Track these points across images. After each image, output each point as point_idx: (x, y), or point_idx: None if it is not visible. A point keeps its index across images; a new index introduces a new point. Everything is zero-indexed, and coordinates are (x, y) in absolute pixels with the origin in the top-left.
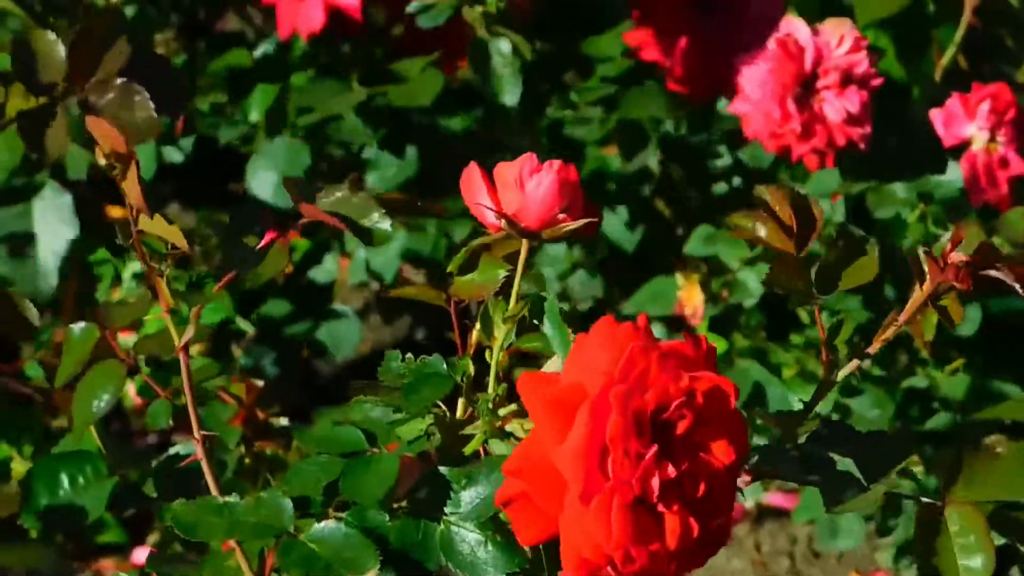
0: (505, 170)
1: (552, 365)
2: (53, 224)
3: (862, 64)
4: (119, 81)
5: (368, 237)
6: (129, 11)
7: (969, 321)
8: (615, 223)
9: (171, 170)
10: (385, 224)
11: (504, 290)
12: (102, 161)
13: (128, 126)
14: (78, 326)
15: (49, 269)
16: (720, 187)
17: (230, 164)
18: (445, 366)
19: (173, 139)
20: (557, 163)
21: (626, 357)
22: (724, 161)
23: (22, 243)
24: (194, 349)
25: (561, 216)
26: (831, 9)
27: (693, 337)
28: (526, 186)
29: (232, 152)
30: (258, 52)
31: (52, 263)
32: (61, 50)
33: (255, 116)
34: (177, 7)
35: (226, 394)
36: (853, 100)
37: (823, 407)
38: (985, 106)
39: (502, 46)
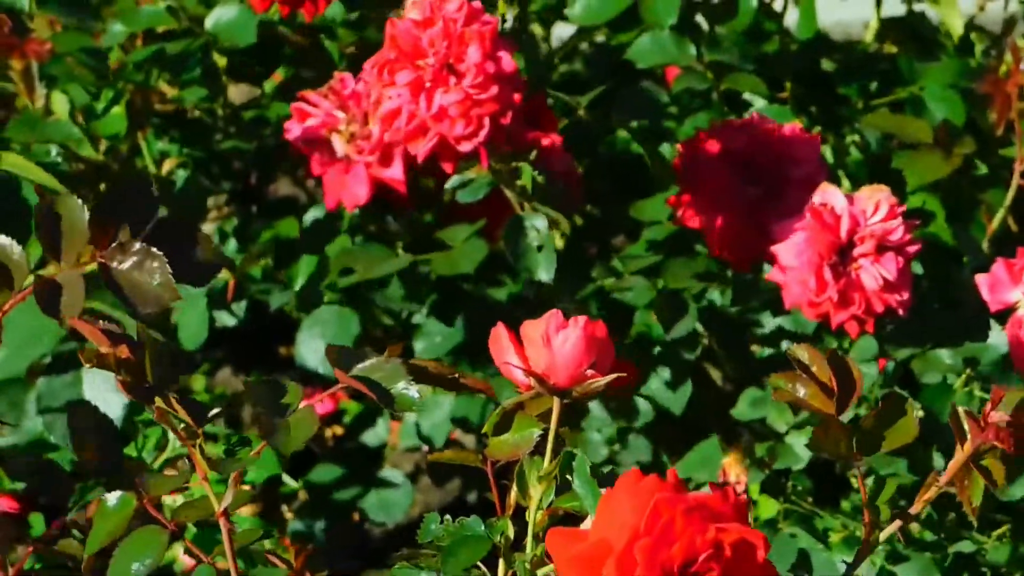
0: (531, 328)
1: (588, 524)
2: (103, 392)
3: (898, 231)
4: (138, 246)
5: (391, 403)
6: (181, 175)
7: (1018, 485)
8: (662, 386)
9: (223, 334)
10: (412, 392)
11: (541, 449)
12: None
13: (146, 291)
14: (113, 495)
15: None
16: (767, 350)
17: (282, 327)
18: (483, 527)
19: (225, 303)
20: (583, 319)
21: (650, 510)
22: (769, 327)
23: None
24: (245, 510)
25: (590, 372)
26: (880, 173)
27: (722, 489)
28: (553, 343)
29: (284, 316)
30: (308, 217)
31: None
32: (85, 217)
33: (300, 285)
34: (230, 173)
35: (276, 558)
36: (890, 267)
37: (869, 574)
38: None
39: (537, 223)
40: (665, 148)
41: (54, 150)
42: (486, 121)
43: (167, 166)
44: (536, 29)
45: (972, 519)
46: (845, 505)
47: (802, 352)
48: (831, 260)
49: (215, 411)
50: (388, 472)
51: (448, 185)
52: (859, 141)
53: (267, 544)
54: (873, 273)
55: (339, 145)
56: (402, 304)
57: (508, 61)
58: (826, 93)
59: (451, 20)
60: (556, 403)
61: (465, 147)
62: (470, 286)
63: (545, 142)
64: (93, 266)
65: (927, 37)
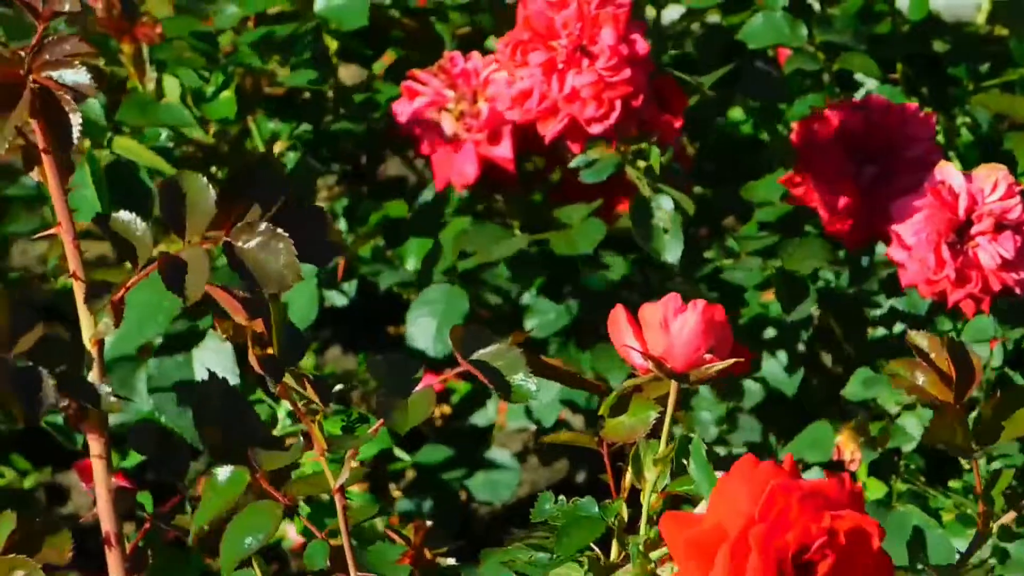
0: (650, 312)
1: (702, 507)
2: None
3: (1016, 210)
4: (264, 226)
5: (508, 394)
6: (292, 157)
7: None
8: (775, 367)
9: (331, 313)
10: (530, 384)
11: (657, 432)
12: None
13: (269, 272)
14: (225, 470)
15: None
16: (880, 331)
17: (390, 307)
18: (597, 509)
19: (334, 283)
20: (701, 303)
21: (766, 497)
22: (883, 308)
23: (185, 392)
24: (353, 489)
25: (708, 357)
26: (991, 154)
27: (838, 477)
28: (671, 327)
29: (392, 295)
30: (419, 200)
31: None
32: (211, 195)
33: (412, 265)
34: (340, 155)
35: (395, 534)
36: (1007, 245)
37: (981, 551)
38: None
39: (664, 203)
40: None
41: (164, 134)
42: (618, 103)
43: (277, 148)
44: (648, 11)
45: None
46: (955, 484)
47: (921, 339)
48: (949, 238)
49: (339, 387)
50: (496, 452)
51: (572, 164)
52: (970, 122)
53: (379, 523)
54: (991, 251)
55: (448, 124)
56: (513, 283)
57: (641, 44)
58: (937, 74)
59: (585, 2)
60: (673, 387)
61: (596, 129)
62: (582, 266)
63: (676, 124)
64: (213, 244)
65: None
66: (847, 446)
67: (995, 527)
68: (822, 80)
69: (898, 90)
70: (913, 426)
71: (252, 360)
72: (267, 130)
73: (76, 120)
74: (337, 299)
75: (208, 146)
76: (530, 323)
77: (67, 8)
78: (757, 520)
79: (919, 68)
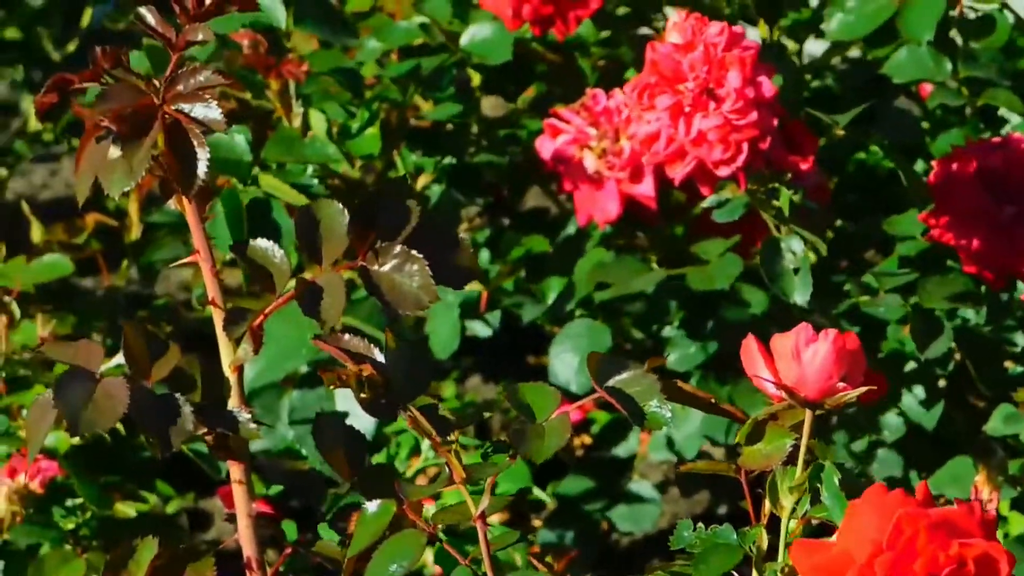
0: (781, 342)
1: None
2: (355, 404)
3: None
4: (398, 249)
5: (641, 420)
6: (436, 190)
7: None
8: (914, 401)
9: (473, 342)
10: (664, 411)
11: (794, 459)
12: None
13: (405, 293)
14: (373, 504)
15: None
16: (1020, 367)
17: (532, 337)
18: (735, 536)
19: (477, 313)
20: (833, 332)
21: (893, 525)
22: (1022, 344)
23: None
24: (493, 519)
25: (841, 385)
26: None
27: (967, 504)
28: (802, 356)
29: (534, 325)
30: (561, 234)
31: None
32: (345, 221)
33: (552, 299)
34: (482, 186)
35: (538, 561)
36: None
37: None
38: None
39: (794, 245)
40: (918, 164)
41: (309, 169)
42: (744, 146)
43: (422, 181)
44: (788, 43)
45: None
46: None
47: None
48: None
49: (458, 424)
50: (638, 484)
51: (704, 204)
52: None
53: (517, 554)
54: None
55: (590, 161)
56: (653, 318)
57: (768, 86)
58: None
59: (712, 44)
60: (807, 415)
61: (723, 172)
62: (722, 300)
63: (803, 167)
64: (351, 272)
65: None
66: (984, 486)
67: None
68: (965, 115)
69: None
70: None
71: (359, 403)
72: (411, 163)
73: (203, 155)
74: (480, 330)
75: (354, 180)
76: (672, 355)
77: (200, 37)
78: (885, 548)
79: None
